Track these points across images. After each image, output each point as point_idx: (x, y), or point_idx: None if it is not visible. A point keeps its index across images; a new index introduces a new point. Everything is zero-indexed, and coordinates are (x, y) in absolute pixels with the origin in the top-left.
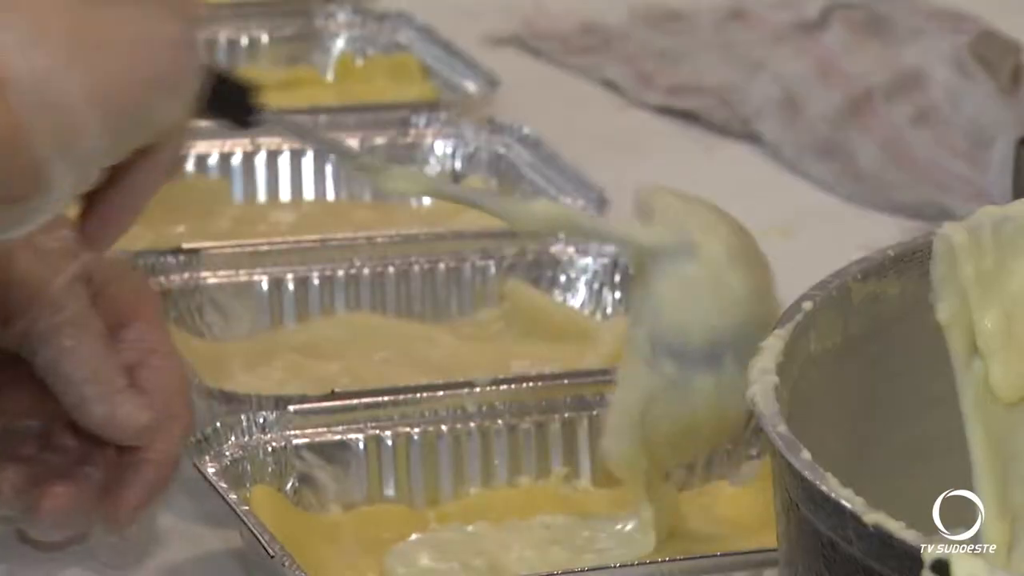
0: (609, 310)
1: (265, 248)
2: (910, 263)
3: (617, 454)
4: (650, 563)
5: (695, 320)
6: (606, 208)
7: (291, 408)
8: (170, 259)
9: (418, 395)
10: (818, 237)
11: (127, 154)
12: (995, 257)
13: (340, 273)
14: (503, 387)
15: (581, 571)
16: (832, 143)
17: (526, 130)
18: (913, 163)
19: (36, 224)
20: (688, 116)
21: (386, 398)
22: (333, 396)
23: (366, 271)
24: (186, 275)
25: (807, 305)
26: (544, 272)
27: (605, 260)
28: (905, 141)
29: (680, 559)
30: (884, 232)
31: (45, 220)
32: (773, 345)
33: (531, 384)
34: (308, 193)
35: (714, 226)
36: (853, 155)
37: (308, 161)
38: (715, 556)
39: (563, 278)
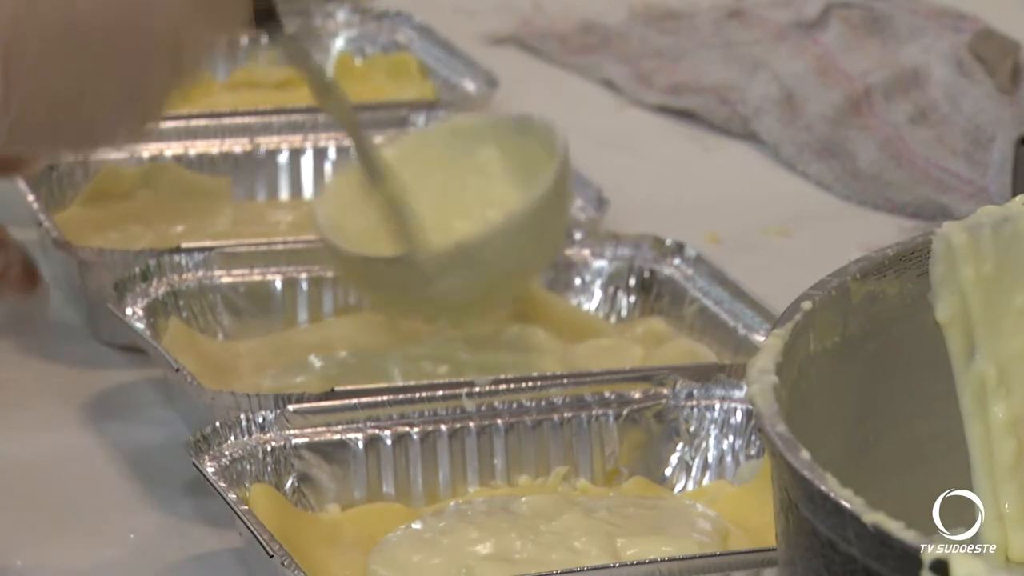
0: (624, 313)
1: (280, 247)
2: (909, 263)
3: None
4: (650, 563)
5: None
6: (605, 206)
7: (290, 408)
8: (184, 258)
9: (417, 395)
10: (817, 237)
11: None
12: (995, 262)
13: None
14: (502, 387)
15: (581, 571)
16: (831, 142)
17: None
18: (912, 162)
19: None
20: (687, 115)
21: (385, 397)
22: (332, 395)
23: None
24: (199, 274)
25: (806, 305)
26: (559, 275)
27: (620, 263)
28: (904, 140)
29: (680, 559)
30: (883, 232)
31: None
32: (772, 345)
33: (530, 384)
34: (307, 192)
35: None
36: (852, 154)
37: (307, 160)
38: (715, 556)
39: (578, 281)
